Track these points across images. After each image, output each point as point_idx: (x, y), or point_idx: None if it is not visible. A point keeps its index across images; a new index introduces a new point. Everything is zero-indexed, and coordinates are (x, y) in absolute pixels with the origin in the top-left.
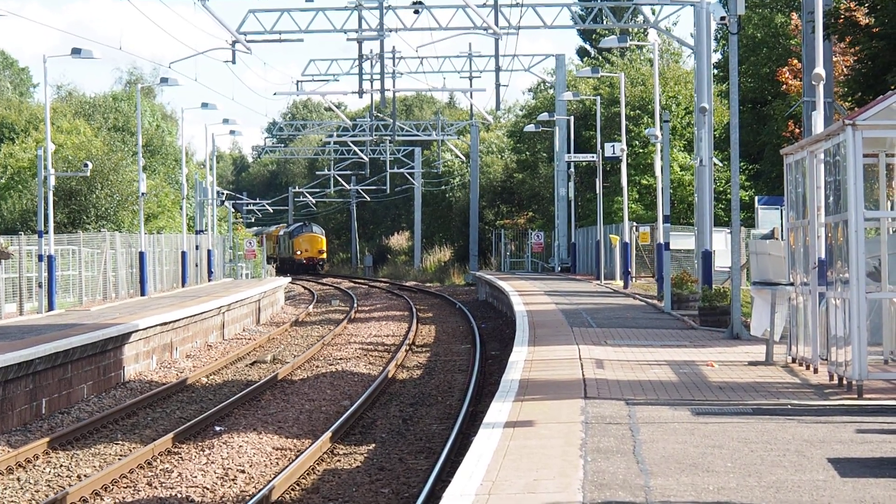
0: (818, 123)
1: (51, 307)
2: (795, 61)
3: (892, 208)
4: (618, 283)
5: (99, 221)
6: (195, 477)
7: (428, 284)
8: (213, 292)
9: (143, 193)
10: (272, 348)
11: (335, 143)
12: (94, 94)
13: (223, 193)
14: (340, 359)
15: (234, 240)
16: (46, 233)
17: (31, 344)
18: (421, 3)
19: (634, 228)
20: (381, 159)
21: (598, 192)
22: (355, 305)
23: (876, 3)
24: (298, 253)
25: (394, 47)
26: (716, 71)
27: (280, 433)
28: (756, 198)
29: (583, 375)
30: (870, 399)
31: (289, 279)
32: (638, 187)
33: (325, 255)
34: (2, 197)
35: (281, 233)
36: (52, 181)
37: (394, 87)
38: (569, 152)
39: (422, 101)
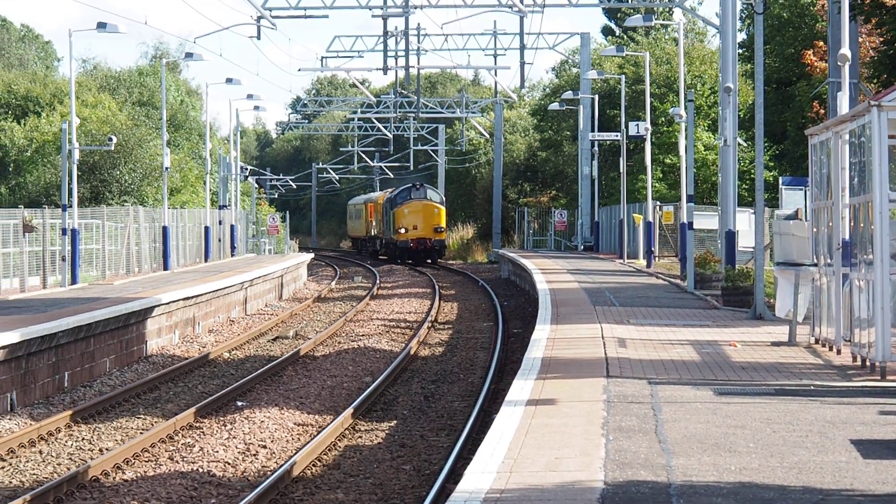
0: (843, 104)
1: (74, 280)
2: (821, 43)
3: None
4: (641, 262)
5: (122, 196)
6: (217, 452)
7: (451, 262)
8: (235, 267)
9: (166, 168)
10: (294, 324)
11: (359, 119)
12: (119, 68)
13: (247, 169)
14: (362, 335)
15: (257, 215)
16: (70, 206)
17: (54, 317)
18: None
19: (658, 208)
20: (405, 136)
21: (621, 170)
22: (378, 282)
23: None
24: (402, 231)
25: (419, 24)
26: (741, 51)
27: (302, 409)
28: (780, 178)
29: (605, 354)
30: (893, 381)
31: (311, 255)
32: (662, 166)
33: (444, 235)
34: (26, 170)
35: (384, 200)
36: (77, 155)
37: (418, 63)
38: (593, 131)
39: (446, 79)
